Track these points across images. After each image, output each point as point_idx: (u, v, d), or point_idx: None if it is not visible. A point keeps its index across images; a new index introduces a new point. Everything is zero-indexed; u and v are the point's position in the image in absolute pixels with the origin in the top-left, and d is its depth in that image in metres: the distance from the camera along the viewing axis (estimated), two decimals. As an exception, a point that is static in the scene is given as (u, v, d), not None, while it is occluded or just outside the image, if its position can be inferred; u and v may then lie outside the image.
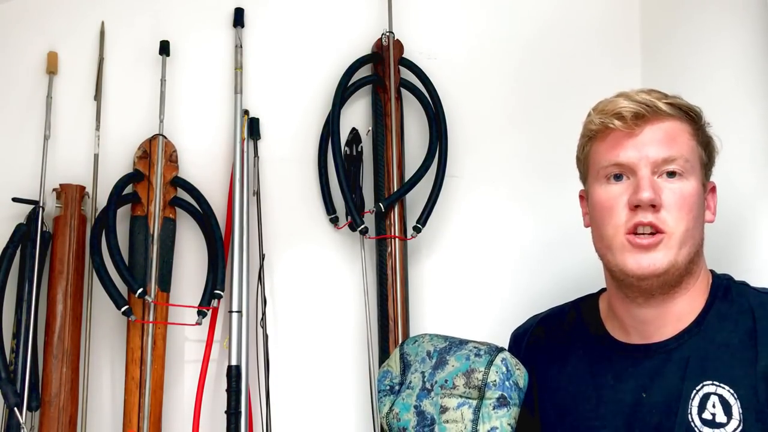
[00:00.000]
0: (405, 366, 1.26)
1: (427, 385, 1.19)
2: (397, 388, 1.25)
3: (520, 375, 1.16)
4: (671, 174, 1.07)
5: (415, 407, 1.19)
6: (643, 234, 1.06)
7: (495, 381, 1.12)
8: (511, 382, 1.13)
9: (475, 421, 1.11)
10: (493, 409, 1.11)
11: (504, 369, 1.13)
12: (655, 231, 1.06)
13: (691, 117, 1.11)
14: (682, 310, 1.10)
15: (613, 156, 1.10)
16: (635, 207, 1.06)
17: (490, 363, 1.14)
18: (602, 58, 1.72)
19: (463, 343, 1.22)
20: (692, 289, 1.10)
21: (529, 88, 1.70)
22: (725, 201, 1.20)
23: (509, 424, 1.11)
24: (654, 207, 1.05)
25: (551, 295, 1.39)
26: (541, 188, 1.64)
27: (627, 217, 1.07)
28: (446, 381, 1.16)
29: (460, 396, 1.14)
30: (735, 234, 1.31)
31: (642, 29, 1.72)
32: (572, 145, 1.22)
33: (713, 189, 1.15)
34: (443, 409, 1.15)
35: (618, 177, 1.10)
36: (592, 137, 1.15)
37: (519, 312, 1.40)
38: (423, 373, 1.21)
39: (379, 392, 1.26)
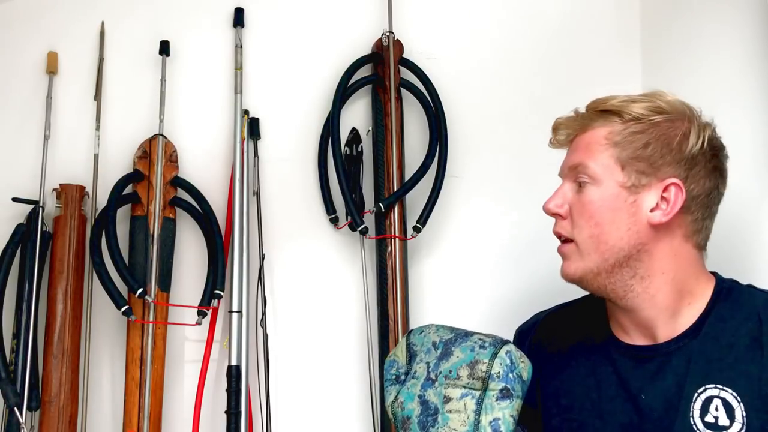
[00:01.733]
0: (411, 356, 1.25)
1: (432, 375, 1.18)
2: (403, 377, 1.25)
3: (524, 368, 1.15)
4: (583, 182, 1.10)
5: (420, 396, 1.18)
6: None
7: (499, 373, 1.12)
8: (514, 374, 1.13)
9: (478, 412, 1.11)
10: (496, 400, 1.11)
11: (508, 361, 1.13)
12: (566, 239, 1.13)
13: (623, 117, 1.07)
14: (683, 316, 1.09)
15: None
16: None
17: (494, 355, 1.14)
18: (602, 58, 1.72)
19: (468, 334, 1.21)
20: (658, 295, 1.08)
21: (529, 88, 1.69)
22: (725, 201, 1.19)
23: (512, 416, 1.10)
24: (562, 216, 1.13)
25: (551, 294, 1.38)
26: (541, 188, 1.64)
27: None
28: (450, 371, 1.16)
29: (464, 387, 1.14)
30: (736, 235, 1.30)
31: (642, 29, 1.72)
32: (572, 145, 1.22)
33: (667, 188, 1.06)
34: (447, 399, 1.14)
35: None
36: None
37: (519, 311, 1.40)
38: (428, 363, 1.21)
39: (385, 381, 1.27)
